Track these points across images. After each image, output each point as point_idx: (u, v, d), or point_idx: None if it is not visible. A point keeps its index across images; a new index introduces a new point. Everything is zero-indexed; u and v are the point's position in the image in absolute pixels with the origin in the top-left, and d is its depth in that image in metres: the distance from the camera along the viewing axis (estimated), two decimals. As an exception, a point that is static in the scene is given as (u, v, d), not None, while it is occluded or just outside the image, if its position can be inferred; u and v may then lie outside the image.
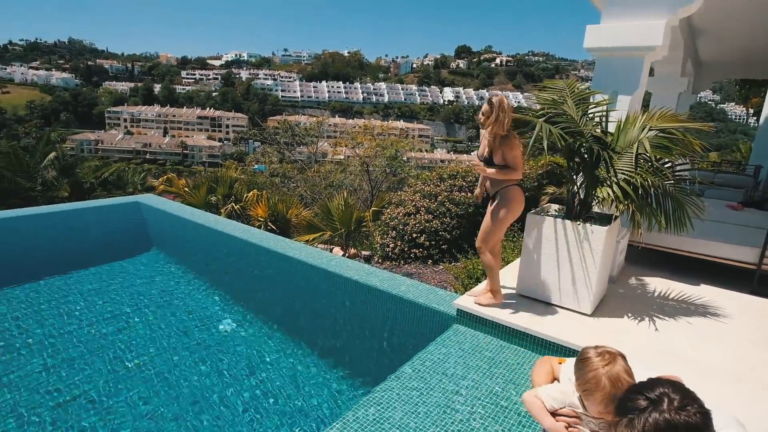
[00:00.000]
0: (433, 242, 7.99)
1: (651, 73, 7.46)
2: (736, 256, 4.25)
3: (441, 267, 7.64)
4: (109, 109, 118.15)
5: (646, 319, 3.45)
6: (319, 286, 4.74)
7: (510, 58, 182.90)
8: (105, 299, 5.62)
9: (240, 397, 3.99)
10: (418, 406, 2.64)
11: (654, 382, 1.47)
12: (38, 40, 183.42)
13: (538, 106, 3.51)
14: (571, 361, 1.98)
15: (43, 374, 4.12)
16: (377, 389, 2.79)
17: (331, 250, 9.04)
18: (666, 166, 3.42)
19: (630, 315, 3.51)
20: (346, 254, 8.69)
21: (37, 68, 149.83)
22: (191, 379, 4.18)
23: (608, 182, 3.25)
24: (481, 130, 3.42)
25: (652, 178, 3.19)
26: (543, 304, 3.58)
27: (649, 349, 3.04)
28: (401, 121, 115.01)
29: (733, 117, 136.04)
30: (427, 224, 8.04)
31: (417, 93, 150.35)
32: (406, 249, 8.15)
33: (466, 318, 3.56)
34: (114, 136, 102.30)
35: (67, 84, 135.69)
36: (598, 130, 3.45)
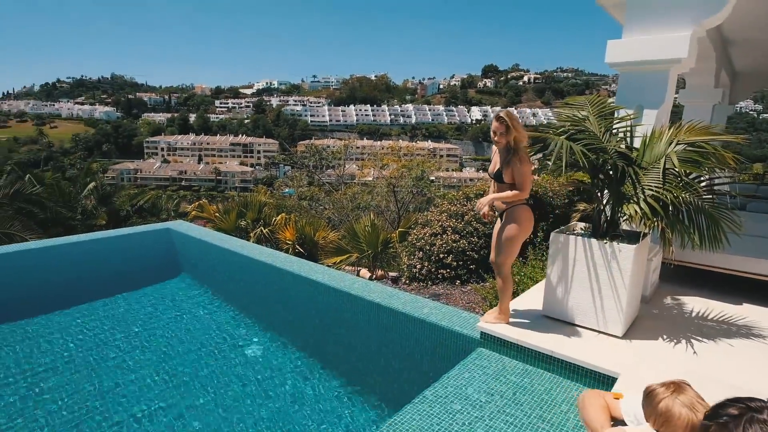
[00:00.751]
0: (461, 262, 7.87)
1: (683, 85, 7.26)
2: (781, 273, 3.99)
3: (469, 287, 7.50)
4: (147, 139, 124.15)
5: (683, 341, 3.26)
6: (343, 309, 4.72)
7: (538, 76, 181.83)
8: (136, 324, 5.77)
9: (262, 419, 3.97)
10: (440, 435, 2.55)
11: (743, 397, 1.31)
12: (83, 77, 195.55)
13: (559, 123, 3.45)
14: (630, 397, 1.86)
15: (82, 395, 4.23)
16: (397, 415, 2.72)
17: (358, 273, 9.04)
18: (698, 180, 3.27)
19: (665, 337, 3.32)
20: (374, 276, 8.66)
21: (82, 103, 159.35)
22: (220, 402, 4.20)
23: (635, 199, 3.13)
24: (492, 148, 3.41)
25: (682, 194, 3.06)
26: (571, 326, 3.44)
27: (690, 375, 2.86)
28: (429, 141, 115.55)
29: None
30: (454, 244, 7.94)
31: (444, 113, 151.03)
32: (433, 270, 8.05)
33: (490, 341, 3.46)
34: (152, 164, 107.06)
35: (109, 117, 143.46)
36: (623, 146, 3.35)
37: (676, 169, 3.07)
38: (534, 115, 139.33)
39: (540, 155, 3.60)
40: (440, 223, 8.32)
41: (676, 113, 5.12)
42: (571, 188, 8.63)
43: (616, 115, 3.58)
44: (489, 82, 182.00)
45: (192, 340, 5.41)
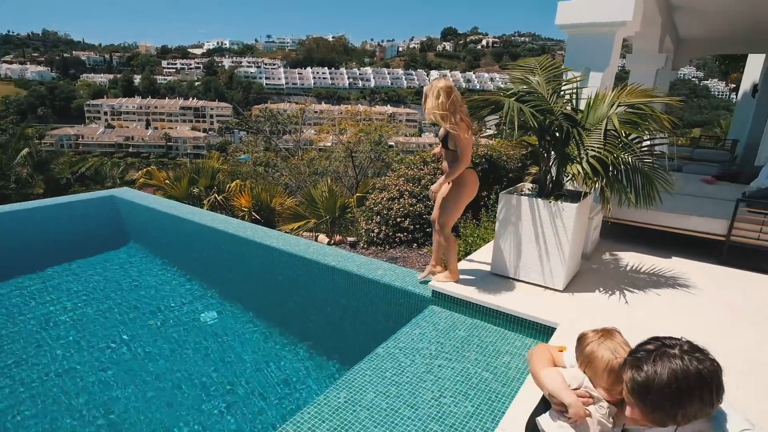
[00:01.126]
0: (417, 226, 8.00)
1: (630, 50, 7.46)
2: (706, 228, 4.31)
3: (425, 250, 7.67)
4: (88, 103, 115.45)
5: (617, 293, 3.50)
6: (298, 274, 4.73)
7: (496, 40, 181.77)
8: (83, 294, 5.55)
9: (219, 380, 3.99)
10: (390, 387, 2.66)
11: (662, 336, 1.40)
12: (10, 33, 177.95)
13: (510, 86, 3.49)
14: (572, 349, 1.96)
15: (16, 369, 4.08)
16: (350, 372, 2.80)
17: (316, 238, 9.02)
18: (638, 142, 3.43)
19: (602, 289, 3.55)
20: (332, 241, 8.67)
21: (10, 62, 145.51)
22: (178, 368, 4.17)
23: (578, 159, 3.25)
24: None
25: (622, 154, 3.20)
26: (516, 282, 3.61)
27: (621, 323, 3.08)
28: (388, 105, 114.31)
29: (716, 93, 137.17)
30: (411, 208, 8.03)
31: (403, 77, 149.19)
32: (390, 234, 8.15)
33: (441, 299, 3.58)
34: (95, 130, 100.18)
35: (43, 77, 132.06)
36: (569, 108, 3.45)
37: (617, 131, 3.20)
38: (492, 79, 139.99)
39: (495, 118, 3.64)
40: (397, 188, 8.37)
41: (623, 77, 5.30)
42: (524, 152, 8.87)
43: (564, 78, 3.66)
44: (448, 46, 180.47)
45: (144, 307, 5.29)
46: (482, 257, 4.12)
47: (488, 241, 5.54)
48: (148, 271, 6.28)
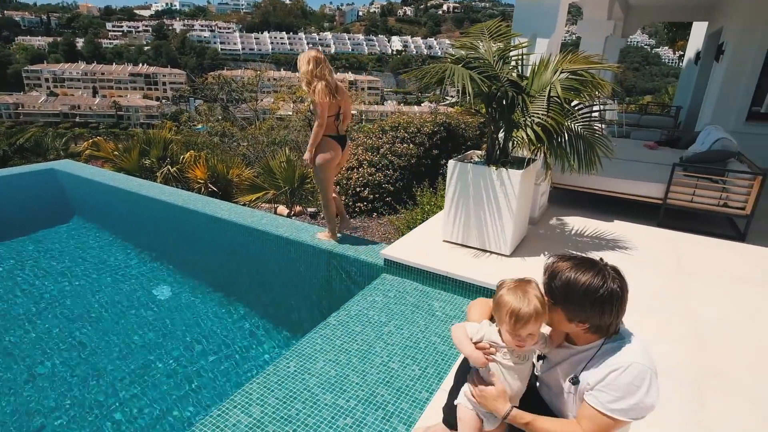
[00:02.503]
0: (377, 195, 8.00)
1: (581, 16, 7.53)
2: (645, 192, 4.52)
3: (385, 220, 7.71)
4: (26, 68, 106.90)
5: (562, 256, 3.64)
6: (251, 246, 4.67)
7: (457, 5, 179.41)
8: (27, 273, 5.30)
9: (176, 354, 3.95)
10: (340, 355, 2.70)
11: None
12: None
13: (462, 52, 3.47)
14: None
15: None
16: (301, 342, 2.83)
17: (275, 210, 8.88)
18: (580, 108, 3.51)
19: (547, 253, 3.69)
20: (292, 212, 8.57)
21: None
22: (128, 346, 4.09)
23: (523, 126, 3.30)
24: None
25: (565, 121, 3.27)
26: (465, 248, 3.70)
27: (561, 284, 3.23)
28: (349, 73, 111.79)
29: (667, 61, 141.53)
30: (370, 177, 8.01)
31: (364, 43, 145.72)
32: (350, 203, 8.12)
33: (393, 267, 3.63)
34: (36, 98, 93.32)
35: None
36: (514, 75, 3.47)
37: (560, 98, 3.25)
38: (452, 46, 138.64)
39: (444, 86, 3.62)
40: (356, 157, 8.30)
41: (573, 44, 5.35)
42: (482, 120, 8.95)
43: (512, 44, 3.66)
44: (409, 11, 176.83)
45: (92, 283, 5.11)
46: (435, 225, 4.19)
47: (440, 207, 5.63)
48: (93, 246, 6.04)
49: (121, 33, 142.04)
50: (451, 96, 4.01)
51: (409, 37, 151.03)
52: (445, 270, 3.35)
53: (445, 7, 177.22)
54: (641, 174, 4.74)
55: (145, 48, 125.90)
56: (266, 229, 4.52)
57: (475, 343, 1.75)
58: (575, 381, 1.52)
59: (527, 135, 3.21)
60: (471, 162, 3.58)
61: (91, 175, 6.57)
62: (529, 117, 3.28)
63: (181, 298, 4.96)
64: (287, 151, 10.41)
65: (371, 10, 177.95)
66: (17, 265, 5.50)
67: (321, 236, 4.24)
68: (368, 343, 2.82)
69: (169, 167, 10.18)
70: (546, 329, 1.71)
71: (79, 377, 3.71)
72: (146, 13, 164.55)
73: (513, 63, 3.54)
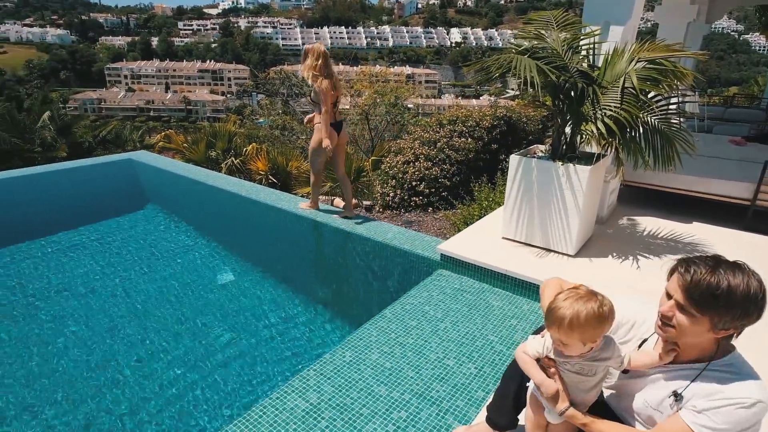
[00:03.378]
0: (433, 189, 7.93)
1: (660, 1, 7.01)
2: (730, 192, 4.14)
3: (441, 214, 7.63)
4: (108, 66, 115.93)
5: (632, 258, 3.43)
6: (311, 238, 4.78)
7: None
8: (104, 255, 5.74)
9: (237, 340, 4.13)
10: (395, 348, 2.70)
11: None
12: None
13: (526, 43, 3.33)
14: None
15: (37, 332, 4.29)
16: (356, 332, 2.86)
17: (332, 202, 9.04)
18: (658, 100, 3.26)
19: (615, 255, 3.49)
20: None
21: (30, 25, 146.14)
22: (194, 327, 4.32)
23: (593, 119, 3.12)
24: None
25: (640, 114, 3.06)
26: (526, 247, 3.57)
27: (631, 290, 3.04)
28: (407, 66, 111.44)
29: (757, 48, 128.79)
30: (427, 172, 7.94)
31: (423, 35, 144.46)
32: (406, 197, 8.10)
33: (450, 263, 3.57)
34: (116, 93, 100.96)
35: (63, 41, 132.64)
36: (585, 65, 3.28)
37: (635, 89, 3.04)
38: (515, 36, 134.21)
39: (516, 78, 3.50)
40: (413, 151, 8.26)
41: (650, 31, 4.98)
42: (545, 113, 8.60)
43: (582, 32, 3.47)
44: (470, 1, 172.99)
45: (163, 267, 5.44)
46: (494, 221, 4.08)
47: (501, 205, 5.47)
48: (165, 232, 6.43)
49: (191, 31, 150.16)
50: (512, 89, 3.87)
51: (468, 29, 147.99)
52: (504, 268, 3.25)
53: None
54: (726, 172, 4.35)
55: (213, 45, 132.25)
56: (324, 221, 4.60)
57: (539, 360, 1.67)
58: (678, 397, 1.40)
59: (597, 128, 3.03)
60: (535, 157, 3.44)
61: (163, 165, 7.00)
62: (600, 109, 3.09)
63: (242, 284, 5.17)
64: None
65: (431, 2, 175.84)
66: (99, 246, 5.97)
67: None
68: (423, 338, 2.79)
69: (233, 159, 10.64)
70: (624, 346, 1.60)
71: (147, 354, 3.96)
72: (214, 11, 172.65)
73: (583, 53, 3.35)
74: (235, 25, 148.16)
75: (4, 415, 3.19)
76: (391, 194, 8.20)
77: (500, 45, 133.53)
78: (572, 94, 3.25)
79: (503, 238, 3.73)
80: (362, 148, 13.71)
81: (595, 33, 3.36)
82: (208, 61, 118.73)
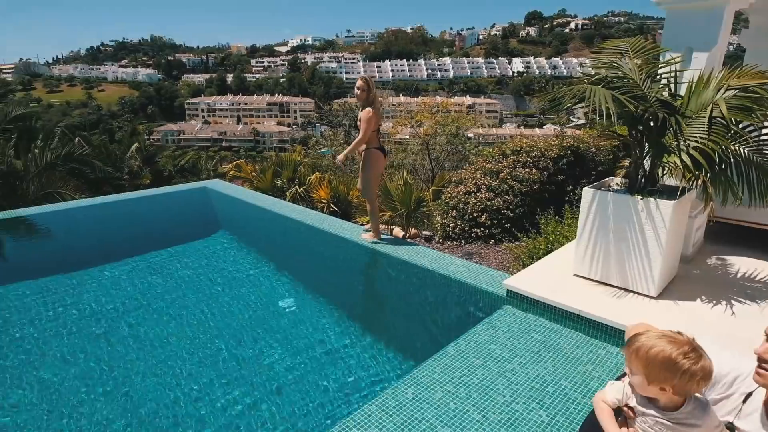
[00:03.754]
0: (495, 221, 7.74)
1: (746, 24, 6.55)
2: (841, 231, 3.68)
3: (503, 247, 7.40)
4: (188, 101, 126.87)
5: (723, 303, 3.10)
6: (371, 266, 4.78)
7: (587, 21, 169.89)
8: (176, 277, 6.07)
9: (295, 366, 4.15)
10: (459, 388, 2.59)
11: None
12: (125, 40, 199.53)
13: (594, 71, 3.21)
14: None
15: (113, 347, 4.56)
16: (418, 369, 2.77)
17: (391, 231, 9.08)
18: (751, 130, 3.00)
19: (704, 298, 3.17)
20: (407, 234, 8.68)
21: (125, 66, 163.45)
22: (255, 347, 4.41)
23: (676, 151, 2.91)
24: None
25: (730, 145, 2.82)
26: (601, 285, 3.34)
27: (725, 338, 2.74)
28: (467, 96, 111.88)
29: None
30: (489, 203, 7.79)
31: (484, 66, 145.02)
32: (466, 228, 7.97)
33: (517, 299, 3.42)
34: (193, 126, 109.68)
35: (152, 79, 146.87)
36: (665, 93, 3.10)
37: (725, 118, 2.81)
38: (581, 65, 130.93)
39: (583, 107, 3.38)
40: (474, 182, 8.15)
41: (739, 57, 4.67)
42: (615, 143, 8.20)
43: (661, 60, 3.29)
44: (532, 31, 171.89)
45: (229, 292, 5.65)
46: (564, 257, 3.88)
47: (571, 239, 5.21)
48: (233, 257, 6.72)
49: (262, 67, 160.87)
50: (578, 118, 3.72)
51: (531, 58, 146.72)
52: (577, 307, 3.05)
53: (572, 25, 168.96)
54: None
55: (281, 80, 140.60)
56: (386, 251, 4.60)
57: (619, 409, 1.52)
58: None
59: (682, 161, 2.82)
60: (610, 190, 3.25)
61: (234, 193, 7.38)
62: (684, 140, 2.88)
63: (303, 310, 5.24)
64: (405, 174, 10.66)
65: (492, 33, 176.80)
66: (172, 269, 6.34)
67: (367, 237, 5.02)
68: (489, 379, 2.66)
69: (297, 187, 11.04)
70: None
71: (210, 375, 4.08)
72: (284, 49, 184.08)
73: (663, 81, 3.17)
74: (303, 60, 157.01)
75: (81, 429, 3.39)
76: (452, 225, 8.09)
77: (565, 73, 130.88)
78: (651, 124, 3.07)
79: (575, 275, 3.52)
80: (422, 178, 13.76)
81: (677, 60, 3.18)
82: (276, 95, 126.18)
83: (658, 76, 3.18)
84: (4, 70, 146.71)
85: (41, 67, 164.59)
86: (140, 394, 3.77)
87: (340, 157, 4.96)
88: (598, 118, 2.98)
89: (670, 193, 3.15)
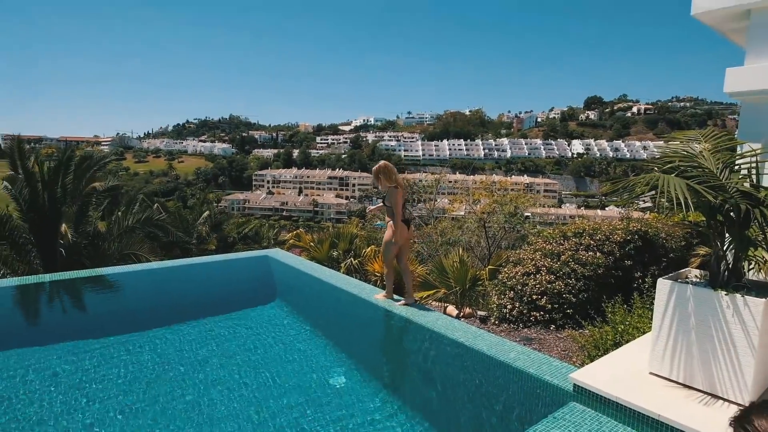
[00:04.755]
0: (556, 305, 7.36)
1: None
2: None
3: (565, 334, 6.95)
4: (256, 173, 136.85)
5: (836, 421, 2.67)
6: (425, 346, 4.63)
7: (649, 106, 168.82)
8: (230, 344, 6.16)
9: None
10: (523, 496, 2.34)
11: None
12: (207, 118, 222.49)
13: (666, 158, 3.14)
14: None
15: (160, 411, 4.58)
16: (477, 468, 2.55)
17: (445, 309, 8.86)
18: None
19: (810, 413, 2.75)
20: (461, 313, 8.42)
21: (204, 141, 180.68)
22: (301, 424, 4.28)
23: (763, 245, 2.71)
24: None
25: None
26: (683, 388, 3.00)
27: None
28: (525, 175, 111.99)
29: None
30: (549, 285, 7.47)
31: (542, 147, 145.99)
32: (525, 311, 7.62)
33: (585, 396, 3.14)
34: (258, 196, 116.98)
35: (226, 153, 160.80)
36: (746, 184, 2.95)
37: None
38: (645, 148, 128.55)
39: (652, 193, 3.28)
40: (534, 263, 7.90)
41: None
42: (687, 230, 7.75)
43: (739, 151, 3.18)
44: (592, 114, 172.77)
45: (280, 363, 5.63)
46: (636, 351, 3.57)
47: (642, 332, 4.81)
48: (286, 327, 6.76)
49: (326, 144, 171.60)
50: (643, 201, 3.60)
51: (592, 140, 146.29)
52: (656, 412, 2.74)
53: (635, 109, 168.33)
54: None
55: (343, 156, 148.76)
56: (442, 331, 4.46)
57: None
58: None
59: (772, 255, 2.61)
60: (689, 283, 3.03)
61: (293, 263, 7.60)
62: (772, 234, 2.69)
63: (353, 387, 5.08)
64: (461, 251, 10.55)
65: (551, 116, 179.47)
66: (228, 335, 6.46)
67: (380, 297, 5.56)
68: (557, 488, 2.39)
69: (352, 259, 11.20)
70: None
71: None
72: (347, 128, 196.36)
73: (744, 171, 3.04)
74: (364, 138, 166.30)
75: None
76: (509, 306, 7.77)
77: (627, 155, 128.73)
78: (732, 215, 2.90)
79: (651, 373, 3.21)
80: (478, 256, 13.55)
81: (758, 152, 3.05)
82: (337, 169, 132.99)
83: (737, 166, 3.06)
84: (103, 143, 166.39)
85: (133, 141, 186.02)
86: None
87: (385, 238, 5.46)
88: (668, 205, 2.87)
89: (760, 289, 2.89)
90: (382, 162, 5.53)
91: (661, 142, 3.59)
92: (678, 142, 3.33)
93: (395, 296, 5.81)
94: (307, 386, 5.09)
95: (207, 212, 13.40)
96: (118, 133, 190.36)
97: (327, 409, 4.66)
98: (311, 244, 12.48)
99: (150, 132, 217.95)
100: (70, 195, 9.88)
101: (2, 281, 6.77)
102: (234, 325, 6.76)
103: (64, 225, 9.98)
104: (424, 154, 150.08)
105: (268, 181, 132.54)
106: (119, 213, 11.17)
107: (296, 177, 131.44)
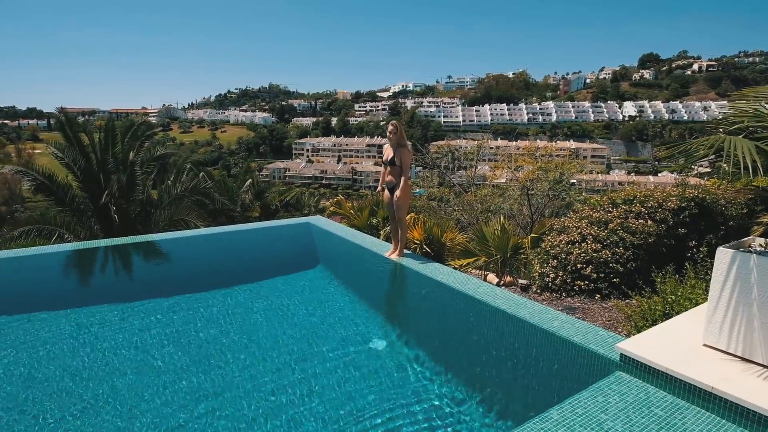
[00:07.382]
0: (602, 275, 7.14)
1: None
2: None
3: (611, 303, 6.77)
4: (295, 141, 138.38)
5: None
6: (465, 313, 4.63)
7: (713, 62, 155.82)
8: (273, 309, 6.40)
9: (381, 413, 4.07)
10: (565, 461, 2.34)
11: None
12: (248, 88, 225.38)
13: (733, 119, 2.90)
14: None
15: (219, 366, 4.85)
16: (517, 431, 2.57)
17: (485, 277, 8.80)
18: None
19: None
20: (502, 282, 8.35)
21: (245, 110, 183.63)
22: (340, 386, 4.43)
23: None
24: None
25: None
26: (740, 361, 2.87)
27: None
28: (571, 141, 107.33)
29: None
30: (595, 254, 7.23)
31: (590, 110, 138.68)
32: (568, 280, 7.44)
33: (632, 365, 3.06)
34: (298, 164, 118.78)
35: (266, 122, 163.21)
36: (826, 144, 2.69)
37: None
38: (705, 109, 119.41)
39: (712, 156, 3.07)
40: (579, 231, 7.65)
41: None
42: (751, 196, 7.23)
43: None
44: (647, 74, 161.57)
45: (324, 327, 5.81)
46: (689, 322, 3.43)
47: (695, 303, 4.60)
48: (328, 293, 6.94)
49: (365, 111, 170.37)
50: (700, 166, 3.35)
51: (646, 102, 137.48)
52: (709, 384, 2.64)
53: (695, 66, 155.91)
54: None
55: (381, 123, 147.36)
56: (483, 299, 4.44)
57: None
58: None
59: None
60: (753, 252, 2.84)
61: (334, 230, 7.72)
62: None
63: (392, 354, 5.18)
64: (502, 219, 10.35)
65: (601, 77, 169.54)
66: (272, 300, 6.71)
67: (392, 256, 6.02)
68: (601, 456, 2.37)
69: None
70: None
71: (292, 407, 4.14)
72: (386, 94, 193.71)
73: (823, 130, 2.76)
74: (403, 105, 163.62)
75: None
76: (552, 275, 7.61)
77: (685, 117, 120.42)
78: (807, 178, 2.66)
79: (705, 345, 3.08)
80: (520, 224, 13.27)
81: (841, 107, 2.76)
82: (375, 137, 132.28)
83: (814, 125, 2.78)
84: (151, 114, 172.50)
85: (179, 111, 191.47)
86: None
87: (402, 197, 5.72)
88: (733, 169, 2.67)
89: (834, 259, 2.67)
90: (400, 122, 5.91)
91: (726, 102, 3.31)
92: (746, 102, 3.07)
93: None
94: (352, 353, 5.23)
95: (250, 180, 13.74)
96: (164, 105, 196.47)
97: (365, 371, 4.77)
98: (351, 211, 12.59)
99: (194, 102, 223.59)
100: (122, 164, 10.36)
101: (99, 242, 7.47)
102: (278, 290, 7.01)
103: (117, 192, 10.53)
104: (464, 120, 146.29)
105: (307, 150, 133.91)
106: (168, 181, 11.64)
107: (335, 145, 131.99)
